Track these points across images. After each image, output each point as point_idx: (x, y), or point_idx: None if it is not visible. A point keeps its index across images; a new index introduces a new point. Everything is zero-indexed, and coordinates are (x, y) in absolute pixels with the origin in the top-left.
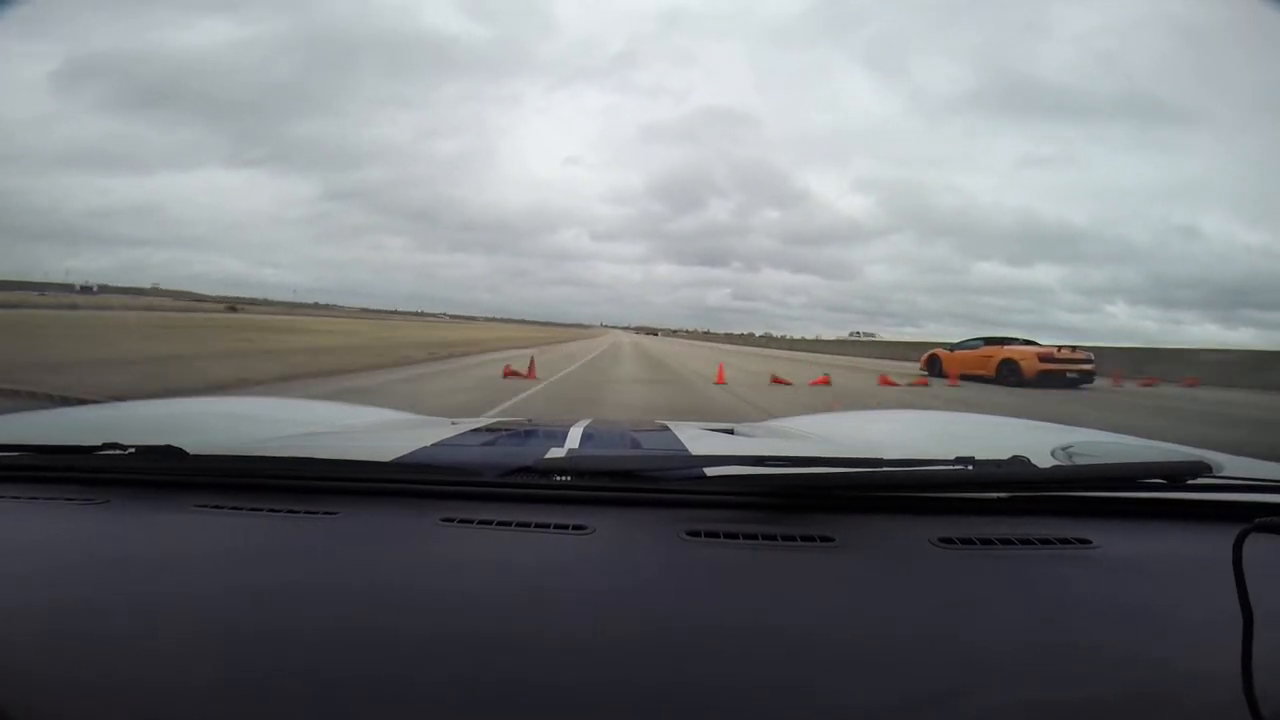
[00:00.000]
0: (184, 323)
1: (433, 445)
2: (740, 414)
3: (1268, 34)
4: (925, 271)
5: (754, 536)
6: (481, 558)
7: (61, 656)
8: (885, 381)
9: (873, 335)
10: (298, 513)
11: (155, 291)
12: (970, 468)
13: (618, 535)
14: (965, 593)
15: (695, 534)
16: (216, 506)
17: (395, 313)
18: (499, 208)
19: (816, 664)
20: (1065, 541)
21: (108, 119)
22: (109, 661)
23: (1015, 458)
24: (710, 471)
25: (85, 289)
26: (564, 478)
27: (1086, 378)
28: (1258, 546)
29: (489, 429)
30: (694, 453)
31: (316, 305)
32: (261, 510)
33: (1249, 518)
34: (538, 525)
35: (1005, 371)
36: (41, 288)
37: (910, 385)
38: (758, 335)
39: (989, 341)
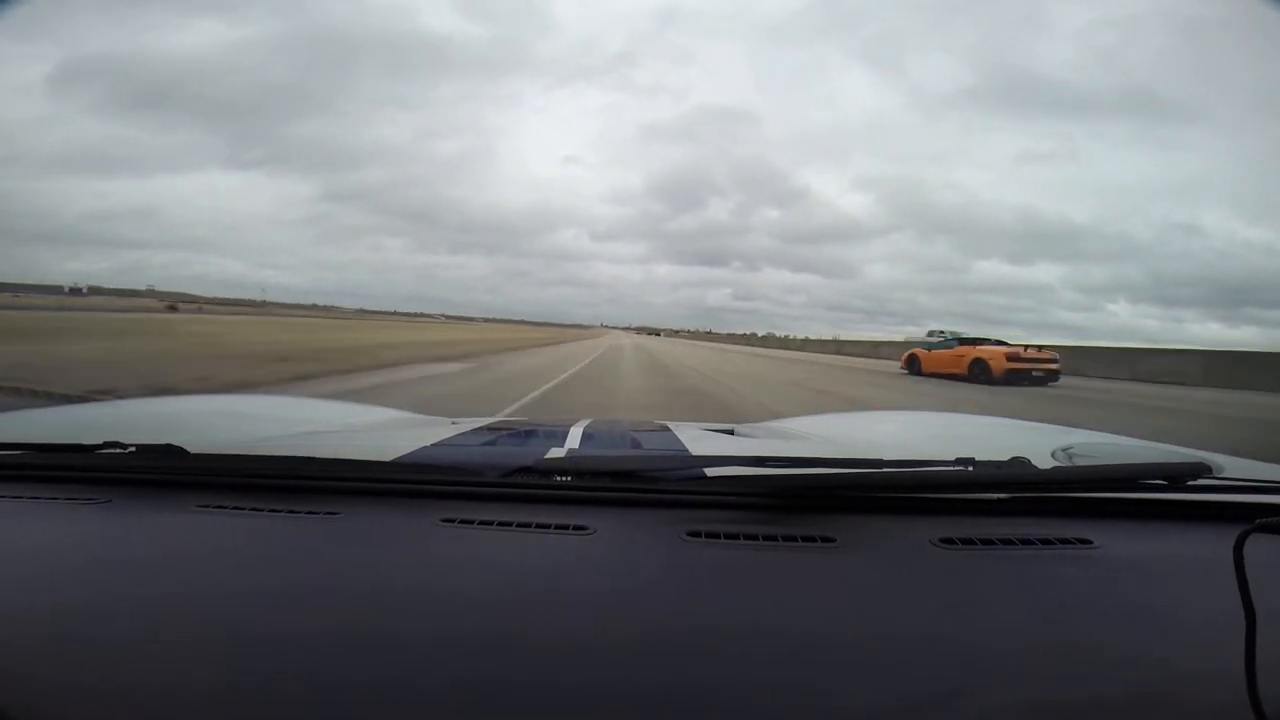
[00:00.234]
0: (102, 325)
1: (433, 445)
2: None
3: (1268, 32)
4: (925, 270)
5: (755, 537)
6: (482, 558)
7: (61, 657)
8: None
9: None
10: (298, 512)
11: (150, 293)
12: (971, 468)
13: (618, 536)
14: (966, 593)
15: (696, 534)
16: (218, 506)
17: (394, 314)
18: (498, 208)
19: (817, 665)
20: (1066, 542)
21: (104, 121)
22: (109, 662)
23: (1015, 458)
24: (711, 472)
25: (75, 290)
26: (564, 478)
27: (1052, 376)
28: (1259, 547)
29: (489, 429)
30: (694, 453)
31: (315, 306)
32: (262, 510)
33: (1250, 518)
34: (538, 525)
35: (976, 370)
36: (24, 289)
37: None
38: (760, 335)
39: (963, 342)
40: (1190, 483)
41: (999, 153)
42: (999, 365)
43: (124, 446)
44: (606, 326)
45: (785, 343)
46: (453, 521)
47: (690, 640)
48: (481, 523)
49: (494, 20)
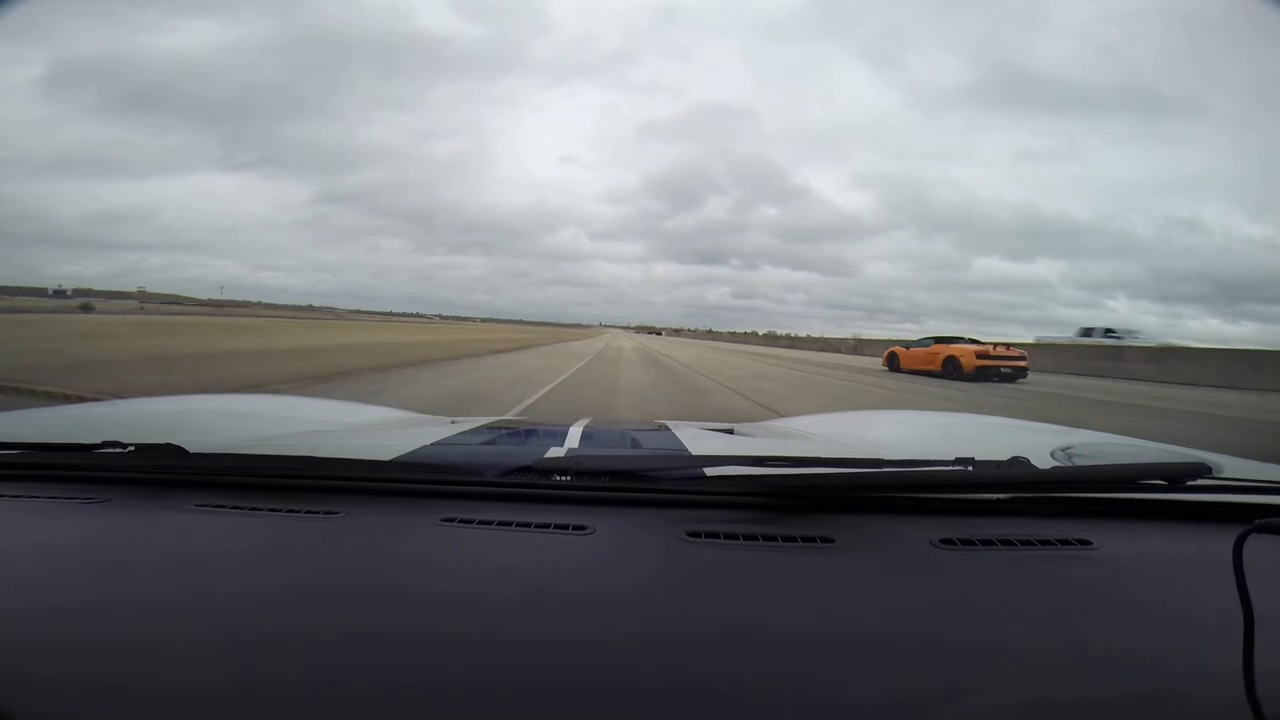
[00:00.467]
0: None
1: (433, 444)
2: None
3: (1267, 28)
4: (925, 268)
5: (754, 537)
6: (482, 558)
7: (61, 657)
8: None
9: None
10: (298, 512)
11: (140, 295)
12: (970, 468)
13: (618, 535)
14: (965, 593)
15: (695, 534)
16: (217, 505)
17: (389, 314)
18: (496, 208)
19: (817, 665)
20: (1065, 542)
21: (98, 124)
22: (108, 662)
23: (1015, 458)
24: (710, 471)
25: (58, 293)
26: (564, 477)
27: (1020, 372)
28: (1258, 548)
29: (489, 428)
30: (694, 452)
31: (310, 308)
32: (262, 510)
33: (1249, 519)
34: (538, 525)
35: (949, 367)
36: (10, 291)
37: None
38: (761, 334)
39: (939, 340)
40: (1190, 483)
41: (999, 149)
42: (969, 362)
43: (123, 446)
44: (605, 325)
45: (796, 341)
46: (452, 521)
47: (690, 640)
48: (481, 522)
49: (490, 19)
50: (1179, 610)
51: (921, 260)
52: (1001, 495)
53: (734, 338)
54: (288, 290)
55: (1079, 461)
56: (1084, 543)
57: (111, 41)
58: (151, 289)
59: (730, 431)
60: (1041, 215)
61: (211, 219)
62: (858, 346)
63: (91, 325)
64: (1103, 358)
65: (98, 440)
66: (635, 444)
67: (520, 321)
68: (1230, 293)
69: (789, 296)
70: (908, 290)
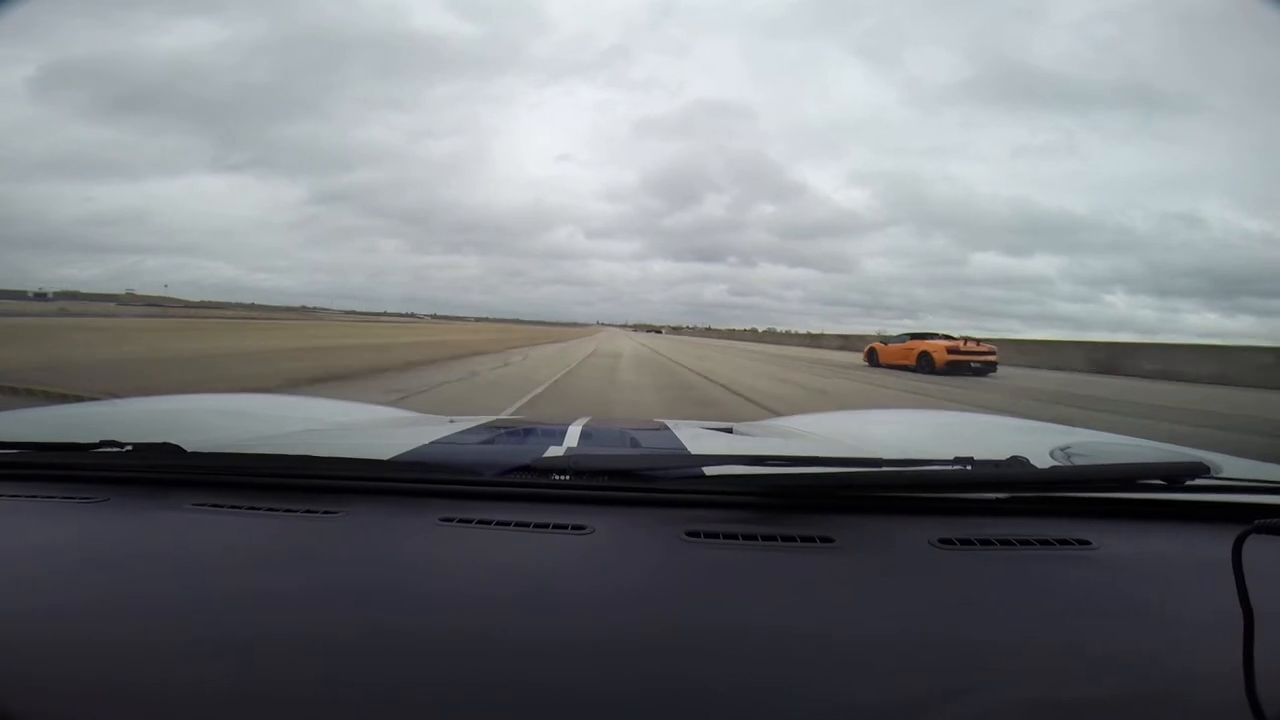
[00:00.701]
0: None
1: (431, 444)
2: None
3: (1265, 25)
4: (923, 263)
5: (754, 537)
6: (480, 557)
7: (59, 657)
8: None
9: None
10: (296, 511)
11: (128, 298)
12: (969, 468)
13: (617, 535)
14: (965, 593)
15: (695, 534)
16: (215, 505)
17: (383, 314)
18: (493, 207)
19: (816, 665)
20: (1064, 542)
21: (91, 125)
22: (107, 661)
23: (1014, 458)
24: (710, 471)
25: (39, 295)
26: (563, 477)
27: (990, 367)
28: (1258, 548)
29: (488, 427)
30: (693, 452)
31: (305, 309)
32: (260, 509)
33: (1249, 519)
34: (537, 525)
35: (923, 362)
36: None
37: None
38: (760, 330)
39: (914, 336)
40: (1189, 483)
41: (996, 145)
42: (941, 357)
43: (121, 445)
44: (602, 324)
45: (819, 340)
46: (451, 520)
47: (689, 640)
48: (480, 522)
49: (486, 18)
50: (1178, 610)
51: (919, 256)
52: (1000, 495)
53: (732, 335)
54: (283, 292)
55: (1078, 461)
56: (1083, 543)
57: (107, 42)
58: (146, 292)
59: (729, 431)
60: (1039, 211)
61: (206, 220)
62: (846, 343)
63: (43, 329)
64: (1079, 354)
65: (95, 440)
66: (634, 443)
67: (517, 321)
68: (1228, 287)
69: (787, 293)
70: (905, 286)
